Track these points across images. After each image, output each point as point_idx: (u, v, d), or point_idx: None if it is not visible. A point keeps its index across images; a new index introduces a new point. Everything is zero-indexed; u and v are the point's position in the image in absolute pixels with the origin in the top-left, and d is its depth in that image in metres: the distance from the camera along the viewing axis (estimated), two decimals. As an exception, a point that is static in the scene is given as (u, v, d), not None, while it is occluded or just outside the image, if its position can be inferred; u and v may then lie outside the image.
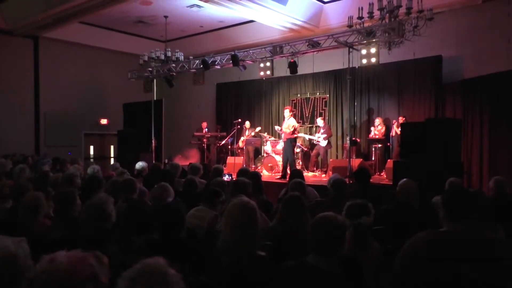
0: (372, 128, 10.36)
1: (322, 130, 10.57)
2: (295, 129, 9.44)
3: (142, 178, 6.21)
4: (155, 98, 11.74)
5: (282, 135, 9.66)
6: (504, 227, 2.97)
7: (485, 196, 4.67)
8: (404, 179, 3.96)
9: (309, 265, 2.16)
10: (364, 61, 8.02)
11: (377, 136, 10.05)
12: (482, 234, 2.11)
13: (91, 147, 14.80)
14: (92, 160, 14.33)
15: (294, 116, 12.34)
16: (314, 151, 10.81)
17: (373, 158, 10.17)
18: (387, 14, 7.45)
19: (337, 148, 11.42)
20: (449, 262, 1.94)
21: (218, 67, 10.33)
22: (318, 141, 10.54)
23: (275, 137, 11.76)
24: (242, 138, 11.70)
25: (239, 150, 11.75)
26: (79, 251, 1.37)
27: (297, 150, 11.01)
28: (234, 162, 10.56)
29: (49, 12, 10.60)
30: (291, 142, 9.43)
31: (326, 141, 10.44)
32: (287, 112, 9.72)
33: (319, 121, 10.81)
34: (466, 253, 1.95)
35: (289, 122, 9.47)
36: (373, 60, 7.96)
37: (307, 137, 11.21)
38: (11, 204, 4.01)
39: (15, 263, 1.53)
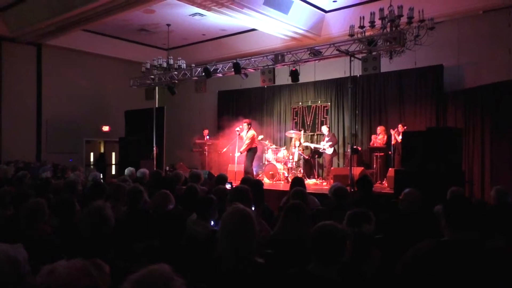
0: (373, 137, 10.36)
1: (327, 138, 10.58)
2: (253, 140, 9.99)
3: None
4: (157, 106, 11.77)
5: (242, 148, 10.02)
6: (506, 236, 2.95)
7: (487, 206, 4.65)
8: (408, 189, 3.95)
9: (310, 274, 2.15)
10: (366, 70, 8.04)
11: (378, 145, 10.04)
12: (483, 244, 2.10)
13: (92, 154, 14.82)
14: (92, 166, 14.35)
15: (295, 124, 12.43)
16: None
17: (374, 167, 10.15)
18: (389, 24, 7.49)
19: (338, 157, 11.41)
20: (450, 272, 1.93)
21: (220, 75, 10.37)
22: (324, 149, 10.55)
23: (276, 145, 11.79)
24: (243, 146, 11.70)
25: (240, 158, 11.74)
26: (78, 260, 1.37)
27: (300, 157, 11.01)
28: (235, 170, 10.54)
29: (53, 20, 10.68)
30: (248, 151, 9.98)
31: (332, 148, 10.45)
32: (245, 126, 10.11)
33: (324, 129, 10.82)
34: (467, 263, 1.94)
35: (248, 135, 9.97)
36: (374, 69, 7.98)
37: (313, 146, 11.18)
38: (12, 211, 4.01)
39: (17, 266, 1.54)
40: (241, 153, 9.96)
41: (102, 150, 15.02)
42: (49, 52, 13.10)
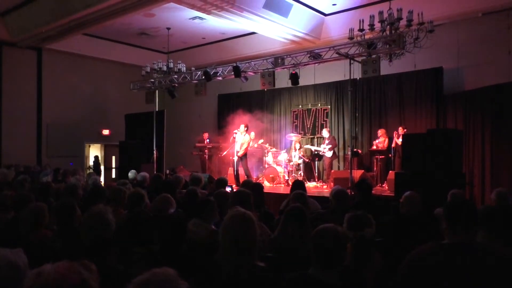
0: (374, 139, 10.36)
1: (327, 141, 10.59)
2: (248, 144, 10.09)
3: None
4: (157, 109, 11.78)
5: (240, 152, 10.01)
6: (506, 239, 2.94)
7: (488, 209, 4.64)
8: (409, 191, 3.95)
9: (310, 278, 2.15)
10: (365, 72, 8.05)
11: (379, 147, 10.04)
12: (484, 246, 2.10)
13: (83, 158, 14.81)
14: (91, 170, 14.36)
15: (295, 127, 12.42)
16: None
17: (375, 169, 10.15)
18: (388, 26, 7.51)
19: (338, 159, 11.42)
20: (451, 275, 1.93)
21: (220, 78, 10.38)
22: (324, 152, 10.55)
23: (276, 148, 11.79)
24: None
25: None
26: (65, 261, 1.37)
27: (299, 161, 11.02)
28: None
29: (53, 24, 10.71)
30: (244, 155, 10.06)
31: (331, 152, 10.45)
32: (242, 128, 10.10)
33: (324, 132, 10.84)
34: (468, 266, 1.93)
35: (245, 139, 9.99)
36: (374, 72, 7.99)
37: (313, 148, 11.20)
38: (13, 215, 4.01)
39: (17, 271, 1.54)
40: (239, 157, 9.95)
41: (96, 153, 15.03)
42: (49, 56, 13.13)
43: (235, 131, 10.23)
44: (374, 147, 10.21)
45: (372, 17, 7.59)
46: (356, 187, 5.02)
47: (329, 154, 10.47)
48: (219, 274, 2.30)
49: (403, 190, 4.16)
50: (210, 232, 3.50)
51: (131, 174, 7.41)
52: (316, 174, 11.08)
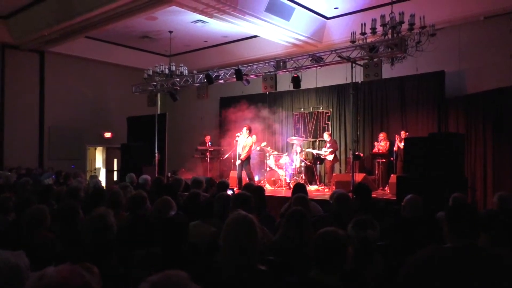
0: (375, 143, 10.36)
1: (328, 145, 10.59)
2: (250, 147, 10.04)
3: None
4: (158, 112, 11.80)
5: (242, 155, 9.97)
6: (507, 242, 2.93)
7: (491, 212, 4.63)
8: (410, 195, 3.94)
9: (311, 280, 2.15)
10: (367, 76, 8.06)
11: (380, 151, 10.03)
12: (486, 250, 2.09)
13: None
14: (92, 172, 14.39)
15: (297, 130, 12.42)
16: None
17: (376, 173, 10.13)
18: (390, 30, 7.52)
19: (340, 163, 11.41)
20: (452, 279, 1.92)
21: (222, 81, 10.40)
22: (325, 156, 10.55)
23: (278, 152, 11.78)
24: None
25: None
26: (68, 264, 1.37)
27: (301, 164, 11.01)
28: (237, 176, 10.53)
29: (56, 27, 10.76)
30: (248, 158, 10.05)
31: (332, 155, 10.45)
32: (245, 131, 10.06)
33: (325, 136, 10.84)
34: (469, 270, 1.93)
35: (248, 141, 9.96)
36: (376, 75, 7.99)
37: (314, 151, 11.20)
38: (14, 217, 4.02)
39: (18, 274, 1.54)
40: (241, 160, 9.94)
41: (98, 156, 15.05)
42: (51, 59, 13.17)
43: (238, 134, 10.23)
44: (375, 149, 10.20)
45: (374, 20, 7.59)
46: (354, 192, 4.98)
47: (330, 157, 10.47)
48: (220, 276, 2.29)
49: (404, 194, 4.15)
50: (212, 233, 3.50)
51: (128, 178, 7.25)
52: (318, 177, 11.08)
